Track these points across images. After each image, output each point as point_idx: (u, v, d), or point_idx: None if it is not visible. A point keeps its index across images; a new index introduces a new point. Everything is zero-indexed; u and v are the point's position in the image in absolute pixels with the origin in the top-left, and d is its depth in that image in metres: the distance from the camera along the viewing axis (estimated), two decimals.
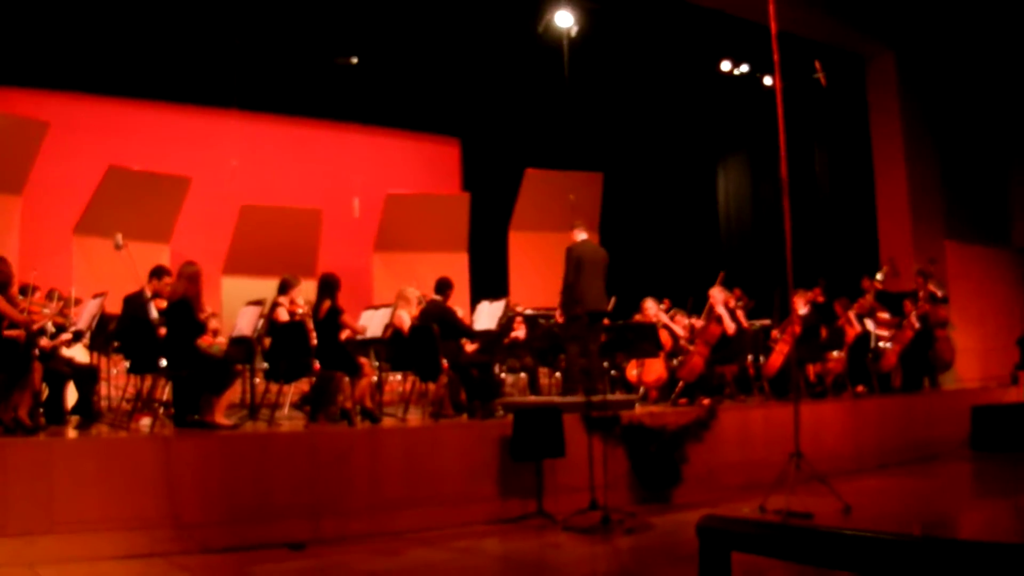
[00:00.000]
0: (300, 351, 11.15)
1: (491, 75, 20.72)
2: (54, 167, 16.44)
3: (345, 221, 19.87)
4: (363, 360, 11.65)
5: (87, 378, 11.03)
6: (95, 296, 11.20)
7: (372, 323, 12.20)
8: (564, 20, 17.87)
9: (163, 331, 10.44)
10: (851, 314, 15.72)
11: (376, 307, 12.80)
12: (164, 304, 10.80)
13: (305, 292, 12.56)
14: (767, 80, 19.90)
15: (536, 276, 18.26)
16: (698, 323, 14.77)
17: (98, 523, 8.17)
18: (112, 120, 18.52)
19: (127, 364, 10.92)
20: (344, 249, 19.39)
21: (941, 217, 20.69)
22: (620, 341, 12.34)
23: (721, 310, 14.08)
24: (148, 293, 11.11)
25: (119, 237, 10.95)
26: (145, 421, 10.46)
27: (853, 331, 15.55)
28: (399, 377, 13.95)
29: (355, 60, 19.70)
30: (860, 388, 15.46)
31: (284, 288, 12.20)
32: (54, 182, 16.69)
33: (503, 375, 14.29)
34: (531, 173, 19.69)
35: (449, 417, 12.05)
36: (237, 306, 12.70)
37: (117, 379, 12.49)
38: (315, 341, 11.37)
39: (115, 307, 11.34)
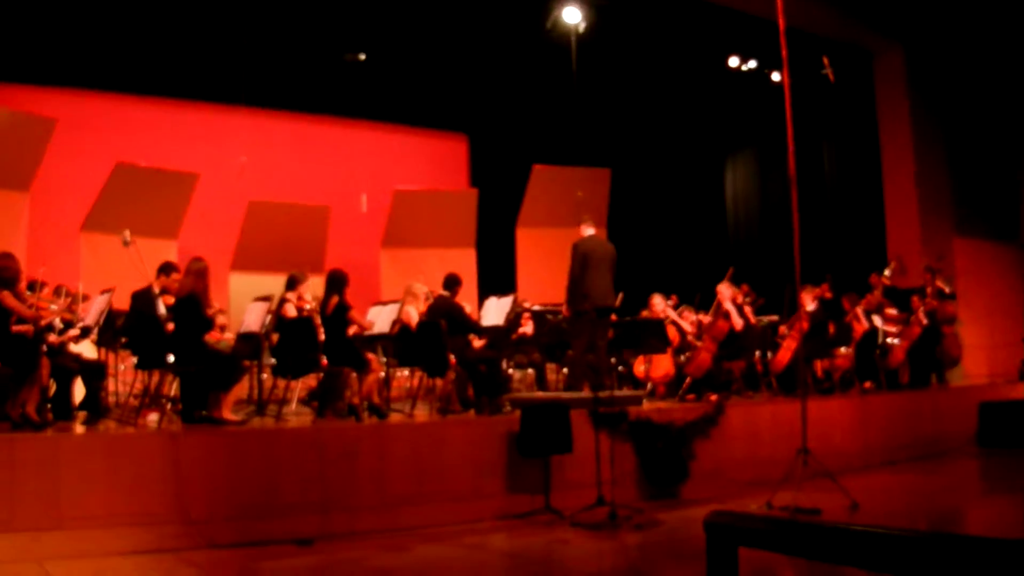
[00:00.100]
0: (308, 347, 11.15)
1: (499, 71, 20.73)
2: (62, 164, 16.48)
3: (353, 217, 19.89)
4: (371, 356, 11.65)
5: (95, 374, 11.03)
6: (103, 292, 11.19)
7: (380, 319, 12.19)
8: (572, 16, 17.88)
9: (171, 327, 10.43)
10: (859, 310, 15.70)
11: (384, 303, 12.79)
12: (172, 300, 10.79)
13: (313, 288, 12.57)
14: (775, 76, 19.94)
15: (544, 272, 18.25)
16: (706, 319, 14.74)
17: (105, 519, 8.18)
18: (119, 117, 18.56)
19: (135, 360, 10.92)
20: (352, 245, 19.41)
21: (949, 213, 20.66)
22: (628, 337, 12.30)
23: (729, 306, 14.05)
24: (156, 289, 11.11)
25: (127, 233, 10.94)
26: (153, 417, 10.46)
27: (861, 327, 15.53)
28: (407, 373, 13.94)
29: (363, 56, 19.73)
30: (868, 384, 15.44)
31: (292, 284, 12.21)
32: (62, 179, 16.74)
33: (511, 371, 14.27)
34: (539, 169, 19.69)
35: (457, 413, 12.03)
36: (245, 302, 12.70)
37: (125, 375, 12.49)
38: (323, 337, 11.37)
39: (123, 303, 11.36)
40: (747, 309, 14.38)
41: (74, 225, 15.92)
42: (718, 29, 19.75)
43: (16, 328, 9.68)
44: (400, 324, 12.14)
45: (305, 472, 9.17)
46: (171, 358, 10.16)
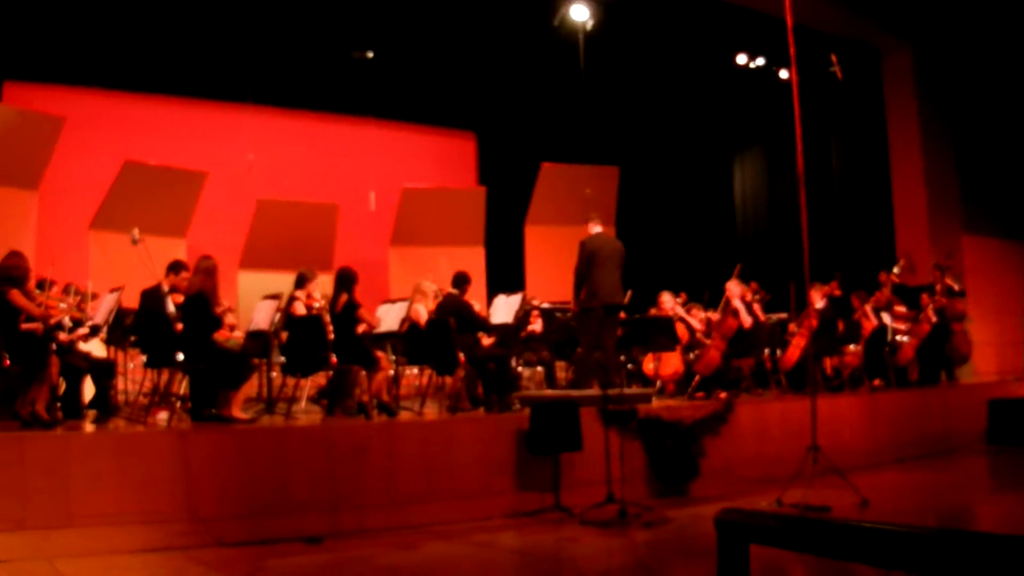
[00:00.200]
0: (317, 345, 11.18)
1: (507, 69, 20.73)
2: (70, 162, 16.50)
3: (361, 215, 19.90)
4: (380, 354, 11.65)
5: (104, 372, 11.05)
6: (112, 291, 11.21)
7: (388, 317, 12.19)
8: (579, 14, 17.88)
9: (180, 326, 10.44)
10: (868, 308, 15.69)
11: (393, 301, 12.79)
12: (181, 298, 10.81)
13: (322, 286, 12.57)
14: (783, 74, 19.94)
15: (553, 270, 18.21)
16: (715, 317, 14.73)
17: (115, 517, 8.20)
18: (128, 115, 18.58)
19: (144, 358, 10.95)
20: (360, 243, 19.42)
21: (958, 210, 20.65)
22: (637, 335, 12.30)
23: (737, 304, 14.05)
24: (165, 287, 11.12)
25: (136, 232, 10.96)
26: (162, 415, 10.48)
27: (870, 325, 15.51)
28: (416, 371, 13.97)
29: (371, 54, 19.72)
30: (877, 382, 15.43)
31: (301, 282, 12.21)
32: (70, 177, 16.75)
33: (520, 369, 14.27)
34: (547, 167, 19.68)
35: (466, 411, 12.03)
36: (254, 300, 12.73)
37: (134, 373, 12.51)
38: (332, 335, 11.38)
39: (132, 302, 11.37)
40: (756, 307, 14.38)
41: (83, 223, 15.93)
42: (726, 26, 19.75)
43: (25, 326, 9.71)
44: (409, 322, 12.15)
45: (314, 470, 9.18)
46: (180, 356, 10.17)
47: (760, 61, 20.66)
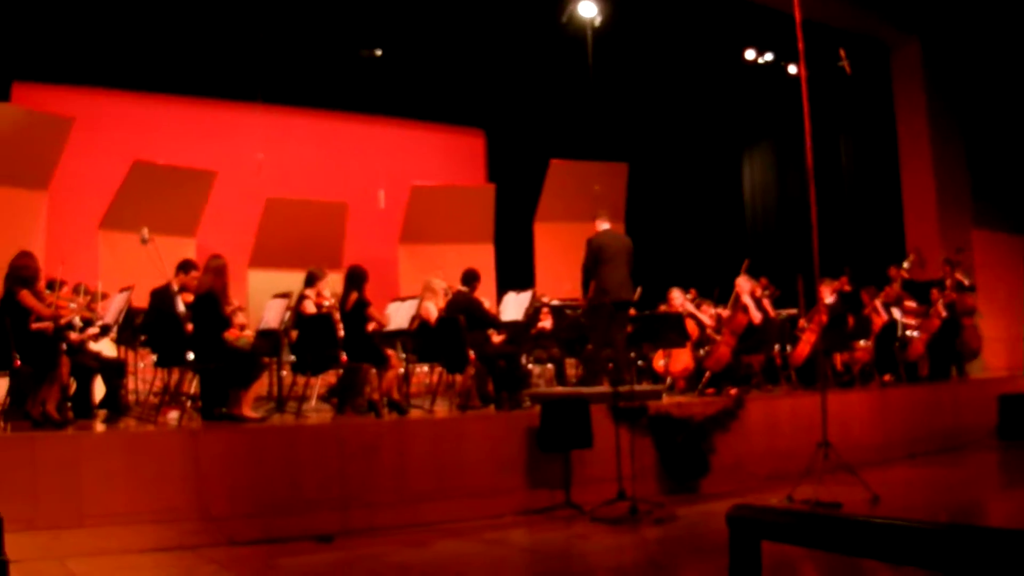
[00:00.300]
0: (327, 343, 11.18)
1: (515, 66, 20.70)
2: (80, 162, 16.51)
3: (371, 213, 19.90)
4: (390, 352, 11.68)
5: (115, 372, 11.07)
6: (122, 290, 11.22)
7: (398, 315, 12.19)
8: (587, 10, 17.87)
9: (190, 325, 10.45)
10: (878, 303, 15.66)
11: (403, 299, 12.79)
12: (191, 298, 10.82)
13: (332, 284, 12.59)
14: (792, 69, 19.86)
15: (562, 267, 18.18)
16: (724, 313, 14.72)
17: (126, 516, 8.22)
18: (137, 115, 18.59)
19: (154, 358, 10.96)
20: (370, 241, 19.43)
21: (968, 205, 20.60)
22: (647, 331, 12.31)
23: (747, 299, 14.04)
24: (175, 287, 11.15)
25: (145, 231, 10.98)
26: (173, 415, 10.50)
27: (880, 320, 15.49)
28: (426, 369, 13.99)
29: (379, 52, 19.72)
30: (887, 377, 15.41)
31: (311, 281, 12.23)
32: (80, 177, 16.77)
33: (530, 366, 14.28)
34: (556, 164, 19.68)
35: (476, 408, 12.04)
36: (263, 299, 12.75)
37: (144, 373, 12.54)
38: (342, 333, 11.39)
39: (142, 301, 11.38)
40: (766, 302, 14.36)
41: (92, 223, 15.97)
42: (734, 22, 19.71)
43: (36, 326, 9.72)
44: (419, 320, 12.15)
45: (325, 468, 9.19)
46: (191, 355, 10.18)
47: (769, 56, 20.61)
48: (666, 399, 12.23)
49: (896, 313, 15.82)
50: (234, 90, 19.17)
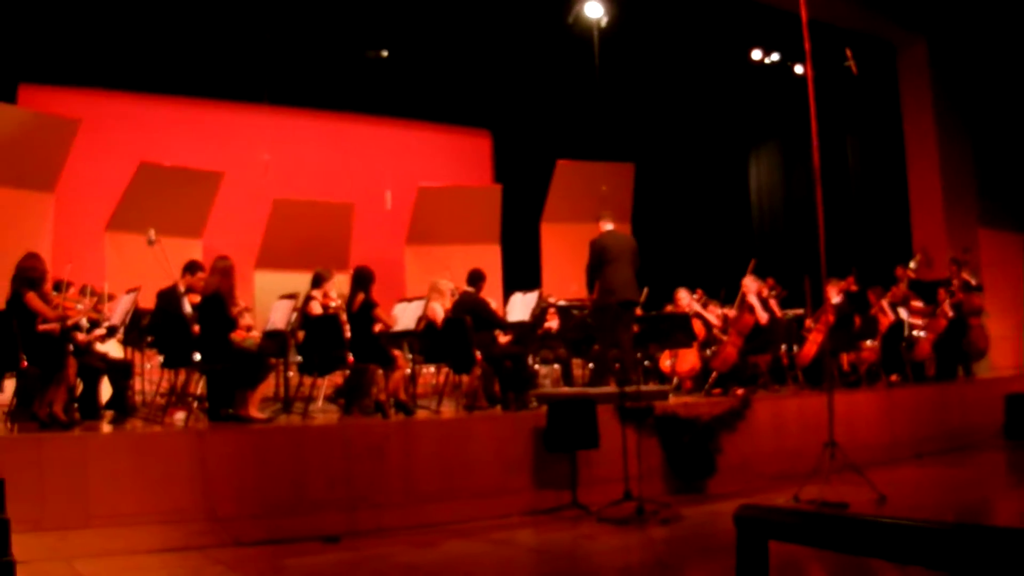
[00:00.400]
0: (334, 344, 11.17)
1: (521, 66, 20.70)
2: (86, 164, 16.54)
3: (377, 214, 19.91)
4: (397, 352, 11.67)
5: (121, 373, 11.09)
6: (128, 291, 11.24)
7: (405, 316, 12.19)
8: (594, 11, 17.87)
9: (196, 326, 10.46)
10: (884, 303, 15.66)
11: (409, 300, 12.79)
12: (197, 299, 10.83)
13: (338, 285, 12.61)
14: (798, 69, 19.89)
15: (569, 267, 18.16)
16: (731, 313, 14.72)
17: (133, 517, 8.23)
18: (143, 116, 18.60)
19: (161, 359, 10.98)
20: (376, 242, 19.42)
21: (974, 204, 20.59)
22: (653, 332, 12.30)
23: (753, 300, 14.04)
24: (181, 288, 11.15)
25: (152, 233, 10.97)
26: (179, 415, 10.50)
27: (887, 320, 15.48)
28: (433, 369, 13.97)
29: (385, 53, 19.73)
30: (894, 377, 15.41)
31: (317, 281, 12.25)
32: (86, 179, 16.79)
33: (537, 366, 14.27)
34: (562, 164, 19.67)
35: (483, 409, 12.04)
36: (270, 300, 12.75)
37: (151, 374, 12.54)
38: (349, 334, 11.39)
39: (148, 302, 11.41)
40: (773, 303, 14.36)
41: (99, 225, 15.97)
42: (741, 22, 19.71)
43: (43, 328, 9.73)
44: (426, 321, 12.15)
45: (332, 469, 9.20)
46: (197, 356, 10.18)
47: (775, 56, 20.60)
48: (672, 399, 12.24)
49: (903, 313, 15.82)
50: (240, 91, 19.18)
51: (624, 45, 19.59)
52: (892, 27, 20.48)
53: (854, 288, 15.53)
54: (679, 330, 12.33)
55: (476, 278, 12.78)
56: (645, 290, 13.49)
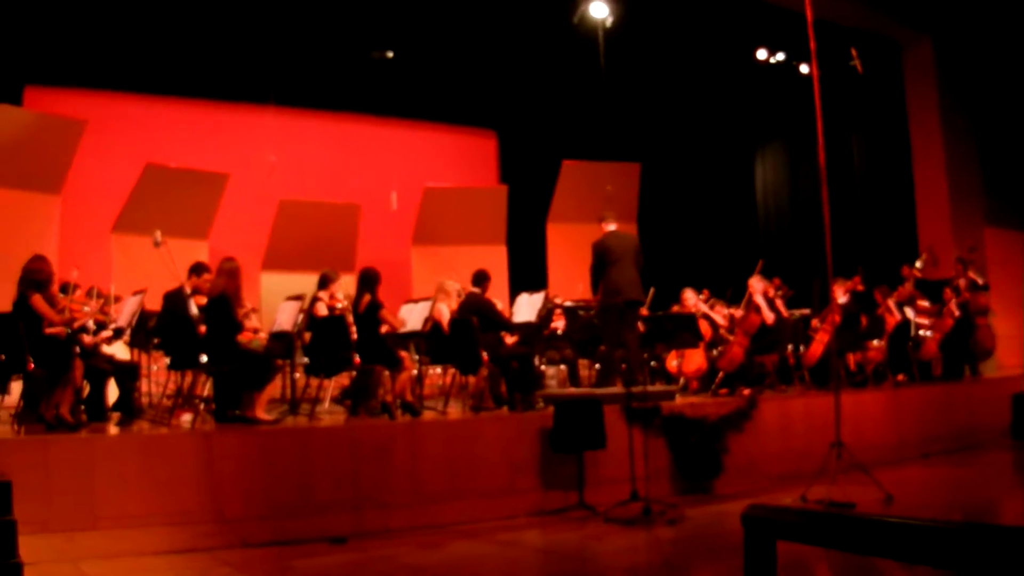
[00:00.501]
0: (340, 345, 11.19)
1: (527, 67, 20.70)
2: (92, 166, 16.55)
3: (383, 215, 19.90)
4: (403, 354, 11.68)
5: (128, 375, 11.09)
6: (135, 293, 11.25)
7: (411, 316, 12.18)
8: (599, 11, 17.85)
9: (203, 328, 10.46)
10: (891, 302, 15.64)
11: (415, 300, 12.79)
12: (204, 300, 10.84)
13: (345, 287, 12.61)
14: (803, 68, 19.83)
15: (575, 268, 18.15)
16: (738, 313, 14.71)
17: (140, 519, 8.23)
18: (149, 118, 18.62)
19: (167, 360, 10.98)
20: (382, 243, 19.43)
21: (980, 204, 20.56)
22: (660, 332, 12.30)
23: (760, 300, 14.03)
24: (188, 289, 11.15)
25: (158, 234, 10.98)
26: (186, 417, 10.52)
27: (893, 320, 15.47)
28: (439, 370, 13.98)
29: (391, 54, 19.73)
30: (901, 377, 15.40)
31: (323, 283, 12.25)
32: (92, 181, 16.81)
33: (543, 367, 14.27)
34: (568, 165, 19.68)
35: (489, 410, 12.04)
36: (276, 301, 12.77)
37: (158, 375, 12.54)
38: (355, 335, 11.39)
39: (155, 304, 11.39)
40: (779, 303, 14.34)
41: (105, 226, 15.99)
42: (746, 22, 19.70)
43: (49, 330, 9.74)
44: (432, 322, 12.15)
45: (338, 470, 9.20)
46: (204, 358, 10.19)
47: (780, 56, 20.57)
48: (679, 400, 12.24)
49: (909, 313, 15.80)
50: (246, 92, 19.19)
51: (629, 45, 19.58)
52: (897, 26, 20.46)
53: (860, 288, 15.51)
54: (685, 330, 12.34)
55: (481, 279, 12.78)
56: (651, 290, 13.48)
